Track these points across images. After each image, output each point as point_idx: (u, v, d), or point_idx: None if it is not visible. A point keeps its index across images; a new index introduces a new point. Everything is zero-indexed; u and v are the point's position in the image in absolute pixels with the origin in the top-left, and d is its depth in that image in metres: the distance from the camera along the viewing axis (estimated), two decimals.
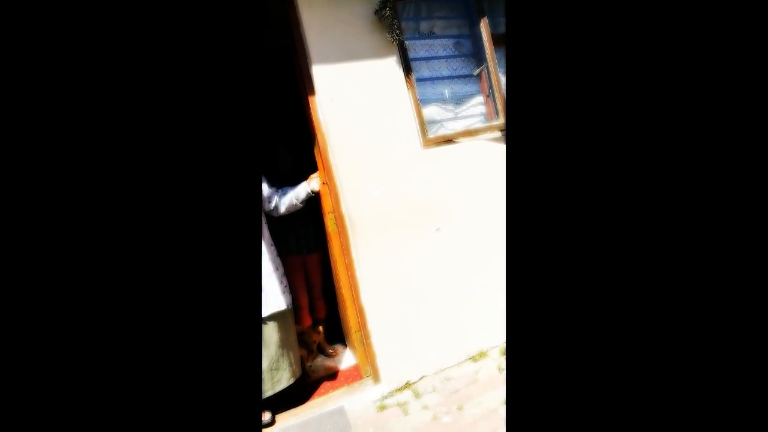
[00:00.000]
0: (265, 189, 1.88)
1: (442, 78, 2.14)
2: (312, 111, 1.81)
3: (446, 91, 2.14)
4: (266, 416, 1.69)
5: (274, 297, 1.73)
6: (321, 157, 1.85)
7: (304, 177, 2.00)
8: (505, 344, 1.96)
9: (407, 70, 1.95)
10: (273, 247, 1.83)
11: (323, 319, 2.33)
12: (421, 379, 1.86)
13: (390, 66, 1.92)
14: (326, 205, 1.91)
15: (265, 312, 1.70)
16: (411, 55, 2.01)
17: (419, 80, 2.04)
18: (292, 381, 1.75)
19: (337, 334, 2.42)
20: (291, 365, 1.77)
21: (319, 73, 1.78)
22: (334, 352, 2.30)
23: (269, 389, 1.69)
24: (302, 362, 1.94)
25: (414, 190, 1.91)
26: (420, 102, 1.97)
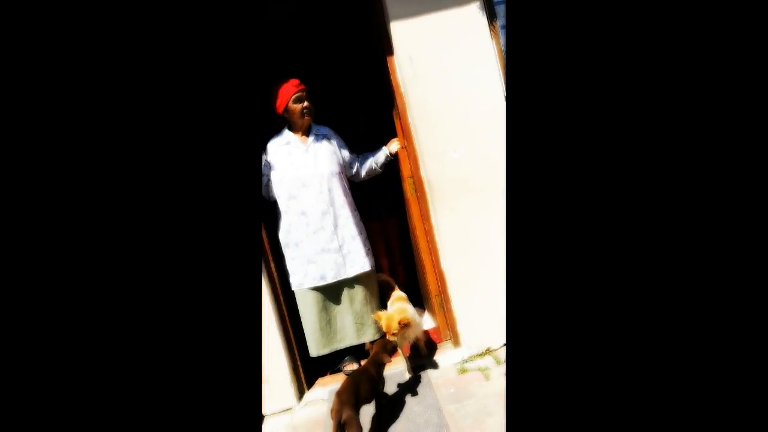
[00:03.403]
0: (347, 155, 1.93)
1: None
2: (391, 72, 1.76)
3: None
4: (354, 365, 1.84)
5: (359, 258, 1.81)
6: (400, 120, 1.81)
7: (383, 142, 2.00)
8: None
9: (491, 16, 1.77)
10: (356, 212, 1.89)
11: (402, 283, 2.39)
12: (502, 346, 1.82)
13: (472, 14, 1.75)
14: (405, 169, 1.89)
15: (352, 272, 1.80)
16: None
17: (504, 28, 1.83)
18: (377, 336, 1.85)
19: (416, 298, 2.48)
20: (375, 322, 1.87)
21: (397, 30, 1.70)
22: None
23: (355, 340, 1.83)
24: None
25: (497, 151, 1.78)
26: (505, 52, 1.79)
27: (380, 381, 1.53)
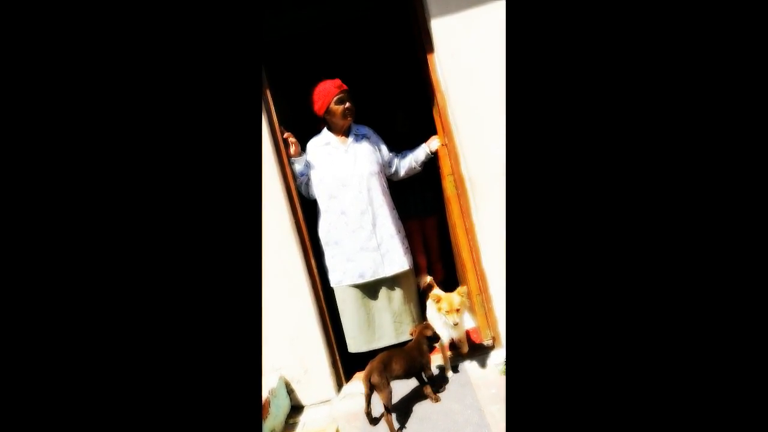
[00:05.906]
0: (386, 154, 1.94)
1: None
2: (431, 69, 1.74)
3: None
4: None
5: (398, 257, 1.82)
6: (440, 118, 1.79)
7: (422, 140, 1.98)
8: None
9: None
10: (395, 211, 1.90)
11: (440, 281, 2.37)
12: None
13: None
14: (445, 167, 1.87)
15: (390, 272, 1.81)
16: None
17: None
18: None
19: None
20: (414, 320, 1.87)
21: (438, 26, 1.68)
22: None
23: (394, 339, 1.84)
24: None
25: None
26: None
27: (422, 358, 1.56)
